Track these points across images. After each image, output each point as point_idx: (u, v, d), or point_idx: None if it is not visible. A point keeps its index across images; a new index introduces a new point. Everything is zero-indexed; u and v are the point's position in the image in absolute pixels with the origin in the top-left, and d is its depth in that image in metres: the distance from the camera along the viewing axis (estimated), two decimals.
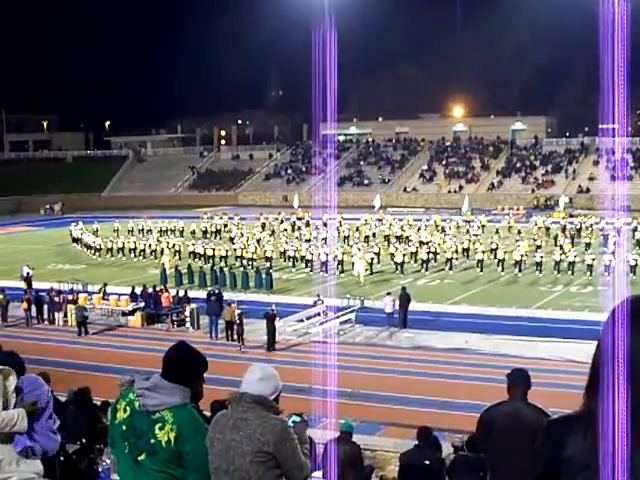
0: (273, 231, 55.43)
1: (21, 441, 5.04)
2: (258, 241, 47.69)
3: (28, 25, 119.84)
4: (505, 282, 39.22)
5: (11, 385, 5.03)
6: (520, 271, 40.10)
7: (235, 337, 29.68)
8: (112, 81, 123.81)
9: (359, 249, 43.12)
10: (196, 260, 44.48)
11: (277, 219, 59.67)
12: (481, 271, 40.64)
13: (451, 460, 10.87)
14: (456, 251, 44.15)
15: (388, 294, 32.12)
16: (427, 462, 10.51)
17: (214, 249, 45.50)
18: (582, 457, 2.26)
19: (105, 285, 35.77)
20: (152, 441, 4.18)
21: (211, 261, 44.15)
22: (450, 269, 41.04)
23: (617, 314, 2.29)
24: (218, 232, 56.85)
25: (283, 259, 44.65)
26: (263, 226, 57.80)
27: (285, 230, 55.18)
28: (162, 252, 46.27)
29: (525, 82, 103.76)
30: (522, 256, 40.66)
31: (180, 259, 44.76)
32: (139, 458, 4.24)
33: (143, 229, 57.53)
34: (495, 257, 41.71)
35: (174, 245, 47.56)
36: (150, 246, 48.91)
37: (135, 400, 4.29)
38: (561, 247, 41.42)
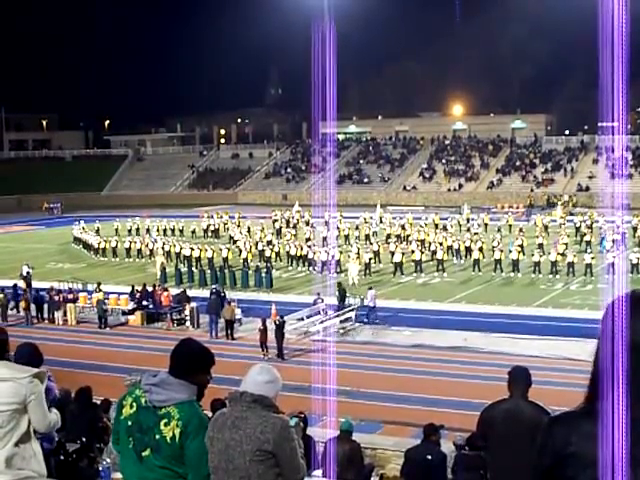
0: (280, 229, 55.44)
1: None
2: (257, 243, 47.41)
3: (27, 24, 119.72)
4: (504, 281, 39.20)
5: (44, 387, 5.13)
6: (515, 272, 39.89)
7: (234, 336, 29.94)
8: (112, 80, 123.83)
9: (358, 250, 42.86)
10: (183, 264, 43.39)
11: (285, 217, 59.65)
12: (479, 271, 40.56)
13: (452, 458, 10.88)
14: (458, 250, 44.08)
15: (370, 289, 32.71)
16: (429, 457, 10.54)
17: (201, 250, 44.25)
18: (586, 454, 2.26)
19: (99, 284, 35.48)
20: (157, 437, 4.20)
21: (198, 262, 43.22)
22: (443, 271, 40.81)
23: (616, 307, 2.29)
24: (217, 231, 56.81)
25: (287, 260, 44.43)
26: (274, 222, 57.66)
27: (292, 228, 55.35)
28: (156, 252, 45.89)
29: (525, 80, 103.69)
30: (519, 254, 40.60)
31: (171, 260, 44.35)
32: (143, 454, 4.25)
33: (139, 228, 57.45)
34: (492, 257, 41.52)
35: (164, 245, 46.74)
36: (147, 245, 48.87)
37: (142, 396, 4.31)
38: (556, 248, 41.24)
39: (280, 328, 27.54)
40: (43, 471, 5.10)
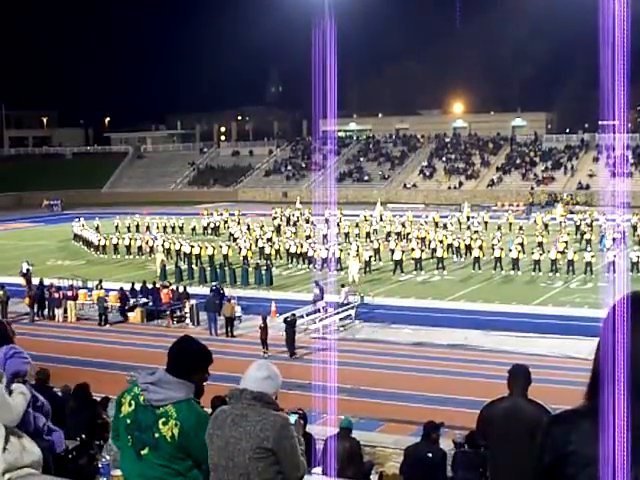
0: (280, 226, 55.42)
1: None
2: (257, 240, 47.29)
3: (28, 22, 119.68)
4: (504, 279, 39.20)
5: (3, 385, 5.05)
6: (515, 270, 39.85)
7: (233, 334, 29.91)
8: (112, 78, 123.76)
9: (358, 248, 42.83)
10: (183, 261, 43.32)
11: (285, 215, 59.61)
12: (479, 269, 40.55)
13: (452, 456, 10.89)
14: (458, 248, 44.05)
15: (342, 286, 33.36)
16: (429, 454, 10.55)
17: (201, 247, 44.16)
18: (587, 452, 2.25)
19: (100, 282, 35.45)
20: (156, 435, 4.20)
21: (198, 260, 43.22)
22: (443, 269, 40.80)
23: (617, 310, 2.28)
24: (217, 229, 56.77)
25: (287, 257, 44.35)
26: (274, 219, 57.61)
27: (291, 225, 55.36)
28: (156, 250, 45.83)
29: (525, 78, 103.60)
30: (519, 253, 40.60)
31: (171, 257, 44.36)
32: (142, 452, 4.25)
33: (139, 225, 57.42)
34: (493, 255, 41.51)
35: (164, 243, 46.65)
36: (148, 242, 48.85)
37: (140, 394, 4.31)
38: (555, 246, 41.26)
39: (292, 325, 27.32)
40: (37, 455, 5.04)
